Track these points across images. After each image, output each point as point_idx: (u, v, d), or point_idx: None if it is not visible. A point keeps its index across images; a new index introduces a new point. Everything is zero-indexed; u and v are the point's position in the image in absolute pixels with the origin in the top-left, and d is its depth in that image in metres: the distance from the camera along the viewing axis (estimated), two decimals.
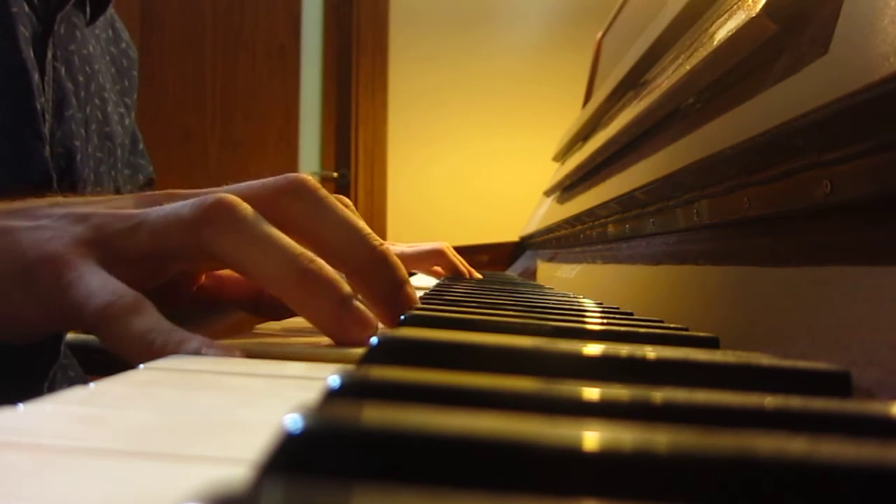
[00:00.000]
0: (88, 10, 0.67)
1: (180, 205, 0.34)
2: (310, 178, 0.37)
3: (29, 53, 0.57)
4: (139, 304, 0.32)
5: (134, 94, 0.80)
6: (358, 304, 0.34)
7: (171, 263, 0.36)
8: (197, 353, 0.30)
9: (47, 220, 0.35)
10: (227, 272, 0.45)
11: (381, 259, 0.37)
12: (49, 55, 0.60)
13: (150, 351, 0.30)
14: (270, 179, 0.37)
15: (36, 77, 0.57)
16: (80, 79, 0.65)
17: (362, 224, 0.37)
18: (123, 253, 0.34)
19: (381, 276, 0.37)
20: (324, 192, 0.37)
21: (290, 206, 0.36)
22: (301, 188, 0.36)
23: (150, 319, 0.32)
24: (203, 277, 0.45)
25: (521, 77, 2.43)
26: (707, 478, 0.12)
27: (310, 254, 0.33)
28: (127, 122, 0.76)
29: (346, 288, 0.34)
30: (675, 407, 0.17)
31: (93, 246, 0.34)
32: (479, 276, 1.01)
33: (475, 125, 2.44)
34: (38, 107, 0.57)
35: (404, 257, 1.01)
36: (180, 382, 0.25)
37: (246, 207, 0.33)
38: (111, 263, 0.33)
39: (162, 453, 0.16)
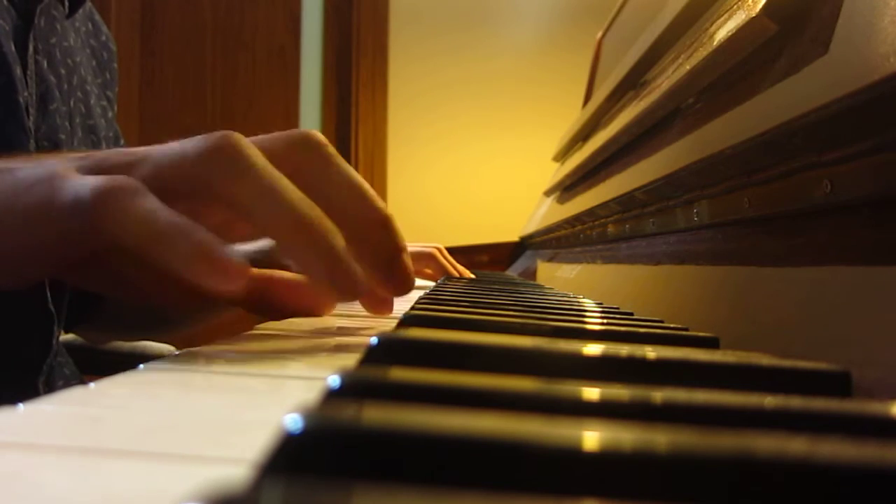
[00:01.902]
0: (67, 2, 0.67)
1: (186, 141, 0.33)
2: (320, 135, 0.37)
3: (10, 47, 0.57)
4: (142, 188, 0.31)
5: (115, 87, 0.79)
6: (351, 260, 0.33)
7: (173, 201, 0.34)
8: (202, 246, 0.29)
9: (49, 160, 0.35)
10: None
11: (382, 222, 0.37)
12: (31, 48, 0.59)
13: (156, 233, 0.29)
14: (284, 133, 0.36)
15: (18, 70, 0.57)
16: (62, 72, 0.65)
17: (368, 186, 0.37)
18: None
19: (380, 240, 0.37)
20: (334, 150, 0.36)
21: (301, 159, 0.35)
22: (313, 143, 0.36)
23: (153, 202, 0.30)
24: None
25: (521, 77, 2.43)
26: (707, 478, 0.12)
27: (310, 202, 0.33)
28: (110, 114, 0.76)
29: (342, 241, 0.33)
30: (675, 407, 0.17)
31: (90, 171, 0.33)
32: (471, 275, 1.01)
33: (475, 125, 2.44)
34: (22, 100, 0.56)
35: None
36: (180, 382, 0.25)
37: (253, 149, 0.33)
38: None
39: (162, 453, 0.16)
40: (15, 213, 0.33)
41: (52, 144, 0.61)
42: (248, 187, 0.32)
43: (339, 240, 0.33)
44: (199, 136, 0.33)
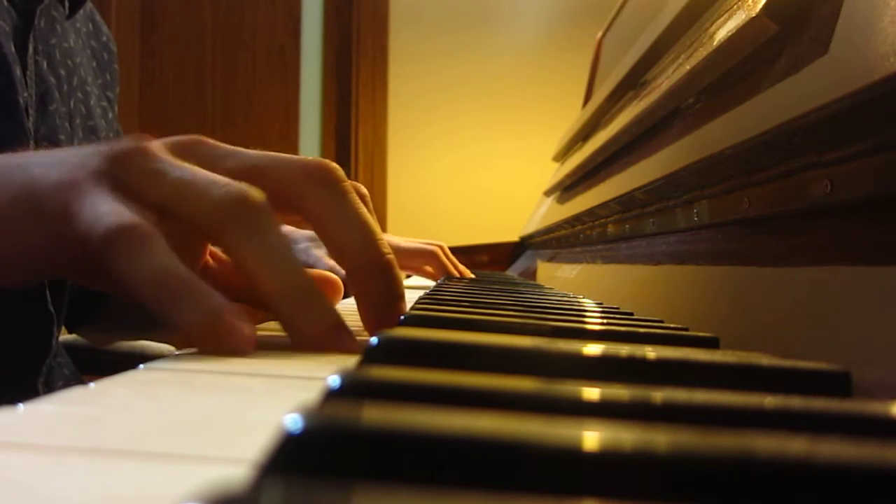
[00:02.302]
0: (67, 3, 0.67)
1: (211, 180, 0.33)
2: (336, 167, 0.37)
3: (10, 47, 0.56)
4: (155, 236, 0.31)
5: (116, 88, 0.79)
6: (345, 329, 0.34)
7: (177, 224, 0.34)
8: (212, 315, 0.29)
9: (65, 154, 0.35)
10: None
11: (384, 266, 0.37)
12: (30, 49, 0.59)
13: (166, 291, 0.30)
14: (299, 159, 0.37)
15: (17, 71, 0.57)
16: (62, 72, 0.65)
17: (376, 227, 0.37)
18: (139, 192, 0.33)
19: (379, 283, 0.37)
20: (347, 185, 0.37)
21: (312, 192, 0.36)
22: (327, 176, 0.36)
23: (168, 257, 0.30)
24: (209, 258, 0.44)
25: (521, 77, 2.43)
26: (707, 478, 0.12)
27: (310, 281, 0.34)
28: (110, 115, 0.76)
29: (338, 315, 0.34)
30: (675, 407, 0.17)
31: (108, 177, 0.33)
32: (472, 275, 1.01)
33: (475, 125, 2.44)
34: (21, 101, 0.56)
35: (397, 251, 1.01)
36: (180, 382, 0.25)
37: (271, 214, 0.33)
38: (125, 199, 0.32)
39: (162, 453, 0.16)
40: (35, 214, 0.33)
41: (51, 145, 0.61)
42: (258, 253, 0.33)
43: (335, 316, 0.34)
44: (221, 179, 0.33)
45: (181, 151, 0.35)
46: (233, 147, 0.38)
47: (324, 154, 2.52)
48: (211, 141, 0.37)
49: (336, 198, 0.36)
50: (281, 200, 0.35)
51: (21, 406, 0.19)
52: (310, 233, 0.84)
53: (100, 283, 0.39)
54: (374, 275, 0.36)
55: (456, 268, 1.00)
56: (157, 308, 0.30)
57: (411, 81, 2.48)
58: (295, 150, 2.51)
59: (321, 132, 2.54)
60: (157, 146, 0.35)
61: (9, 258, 0.34)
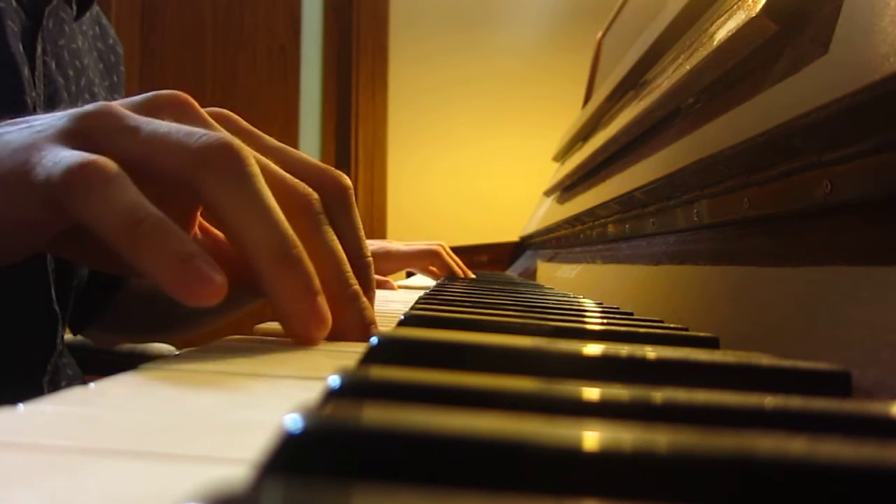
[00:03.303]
0: (75, 5, 0.67)
1: (189, 130, 0.31)
2: (317, 201, 0.36)
3: (18, 48, 0.57)
4: (119, 173, 0.28)
5: (122, 90, 0.80)
6: (322, 302, 0.33)
7: (150, 183, 0.32)
8: (185, 256, 0.27)
9: (39, 120, 0.33)
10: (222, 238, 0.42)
11: (350, 299, 0.36)
12: (39, 49, 0.59)
13: (137, 230, 0.27)
14: (290, 178, 0.35)
15: (26, 71, 0.57)
16: (71, 73, 0.65)
17: (345, 259, 0.36)
18: (107, 150, 0.30)
19: (346, 314, 0.36)
20: (323, 218, 0.36)
21: (293, 216, 0.34)
22: (310, 208, 0.35)
23: (134, 193, 0.28)
24: (198, 231, 0.42)
25: (521, 77, 2.43)
26: (707, 478, 0.12)
27: (296, 238, 0.32)
28: None
29: (318, 284, 0.32)
30: (675, 407, 0.17)
31: (74, 137, 0.31)
32: (472, 276, 1.01)
33: (475, 125, 2.44)
34: (29, 101, 0.57)
35: (399, 255, 1.02)
36: (180, 382, 0.25)
37: (255, 165, 0.31)
38: (89, 151, 0.30)
39: (162, 453, 0.16)
40: None
41: None
42: (241, 208, 0.31)
43: (317, 283, 0.32)
44: (199, 130, 0.31)
45: (156, 109, 0.34)
46: (215, 111, 0.36)
47: (324, 154, 2.52)
48: (190, 101, 0.35)
49: (312, 229, 0.35)
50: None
51: (21, 406, 0.19)
52: None
53: (73, 248, 0.38)
54: (343, 306, 0.36)
55: (458, 266, 1.01)
56: (124, 251, 0.28)
57: (411, 81, 2.48)
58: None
59: (321, 132, 2.54)
60: (127, 106, 0.33)
61: None
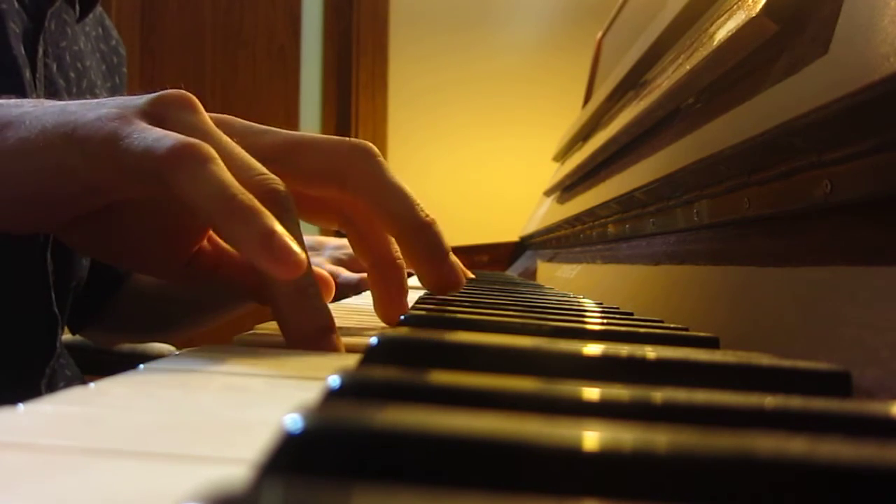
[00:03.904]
0: (77, 6, 0.67)
1: (249, 164, 0.34)
2: (372, 146, 0.40)
3: (20, 50, 0.57)
4: (215, 155, 0.32)
5: (124, 91, 0.80)
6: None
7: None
8: (271, 230, 0.30)
9: (102, 100, 0.36)
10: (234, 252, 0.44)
11: (429, 224, 0.40)
12: (40, 52, 0.59)
13: (233, 204, 0.31)
14: (337, 138, 0.39)
15: (27, 74, 0.57)
16: (72, 75, 0.65)
17: (413, 196, 0.40)
18: (192, 127, 0.34)
19: (427, 240, 0.40)
20: (383, 160, 0.40)
21: (358, 165, 0.39)
22: (368, 152, 0.39)
23: (229, 175, 0.31)
24: (206, 242, 0.43)
25: (521, 77, 2.43)
26: (707, 478, 0.12)
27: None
28: None
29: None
30: (675, 407, 0.17)
31: (152, 116, 0.34)
32: (471, 275, 1.01)
33: (475, 125, 2.44)
34: None
35: None
36: (180, 382, 0.25)
37: (293, 211, 0.34)
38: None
39: (162, 453, 0.16)
40: (70, 140, 0.34)
41: None
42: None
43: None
44: (261, 169, 0.34)
45: (216, 124, 0.36)
46: (264, 126, 0.40)
47: None
48: (240, 120, 0.39)
49: (379, 171, 0.39)
50: (321, 176, 0.39)
51: (21, 406, 0.19)
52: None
53: (86, 232, 0.39)
54: (421, 233, 0.39)
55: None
56: (219, 221, 0.31)
57: (411, 81, 2.48)
58: None
59: (321, 132, 2.54)
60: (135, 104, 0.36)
61: (33, 184, 0.35)
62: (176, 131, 0.33)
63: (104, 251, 0.42)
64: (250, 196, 0.31)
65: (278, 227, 0.31)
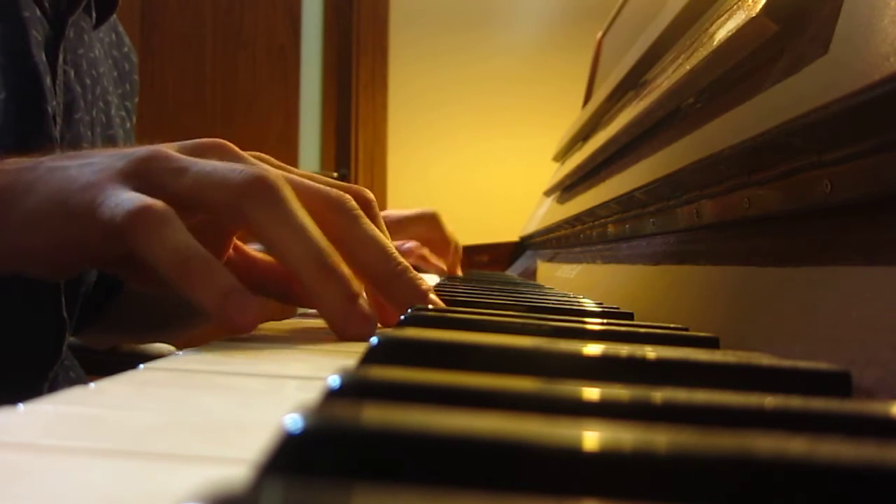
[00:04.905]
0: (94, 13, 0.68)
1: (230, 167, 0.36)
2: (348, 198, 0.40)
3: (41, 57, 0.57)
4: (172, 216, 0.34)
5: (135, 97, 0.81)
6: (363, 302, 0.37)
7: (193, 212, 0.37)
8: (225, 289, 0.32)
9: (98, 158, 0.38)
10: (259, 255, 0.47)
11: (400, 274, 0.40)
12: (60, 59, 0.60)
13: (186, 267, 0.33)
14: (322, 187, 0.40)
15: (48, 81, 0.57)
16: (87, 82, 0.65)
17: (387, 241, 0.41)
18: (161, 188, 0.36)
19: (400, 289, 0.40)
20: (359, 212, 0.40)
21: (332, 218, 0.39)
22: (343, 205, 0.40)
23: (184, 235, 0.33)
24: (231, 251, 0.46)
25: (521, 77, 2.43)
26: (707, 478, 0.12)
27: (332, 248, 0.36)
28: (128, 125, 0.77)
29: (357, 285, 0.37)
30: (675, 407, 0.17)
31: (132, 177, 0.36)
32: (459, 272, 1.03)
33: (475, 125, 2.44)
34: (50, 110, 0.57)
35: (390, 221, 1.01)
36: (180, 382, 0.25)
37: (289, 190, 0.36)
38: (146, 193, 0.35)
39: (162, 453, 0.16)
40: (64, 211, 0.36)
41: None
42: (280, 227, 0.35)
43: (354, 285, 0.37)
44: (238, 165, 0.37)
45: (201, 152, 0.38)
46: (251, 152, 0.41)
47: (324, 154, 2.52)
48: (230, 145, 0.40)
49: (352, 223, 0.40)
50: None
51: (21, 406, 0.19)
52: None
53: (125, 270, 0.43)
54: (393, 282, 0.40)
55: (452, 238, 1.03)
56: (175, 283, 0.33)
57: (411, 81, 2.48)
58: (295, 150, 2.51)
59: (321, 132, 2.54)
60: (176, 149, 0.38)
61: (45, 251, 0.38)
62: (155, 185, 0.36)
63: (145, 283, 0.45)
64: (205, 254, 0.33)
65: (231, 281, 0.33)
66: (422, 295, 0.40)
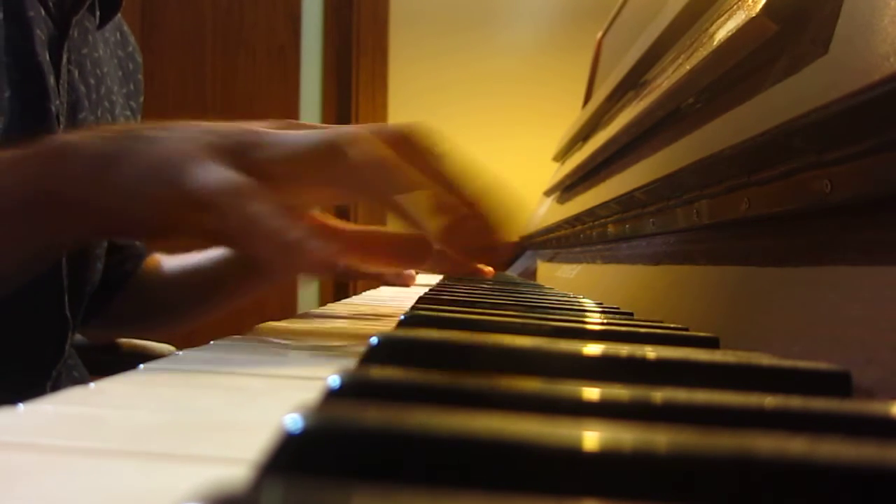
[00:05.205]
0: (98, 13, 0.68)
1: (310, 133, 0.39)
2: (416, 133, 0.41)
3: (45, 56, 0.57)
4: (263, 191, 0.35)
5: (140, 97, 0.81)
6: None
7: (294, 183, 0.39)
8: (299, 244, 0.34)
9: (179, 130, 0.39)
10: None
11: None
12: (64, 58, 0.60)
13: (257, 227, 0.34)
14: (392, 126, 0.41)
15: (51, 80, 0.58)
16: (92, 82, 0.66)
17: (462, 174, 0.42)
18: (256, 163, 0.37)
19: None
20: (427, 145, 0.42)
21: (409, 152, 0.40)
22: (416, 142, 0.41)
23: (266, 205, 0.35)
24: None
25: (521, 77, 2.43)
26: (707, 478, 0.12)
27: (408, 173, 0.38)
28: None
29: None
30: (675, 407, 0.17)
31: (225, 153, 0.37)
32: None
33: (475, 125, 2.44)
34: (54, 109, 0.57)
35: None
36: (180, 382, 0.25)
37: (366, 142, 0.38)
38: (234, 168, 0.36)
39: (162, 453, 0.16)
40: (161, 180, 0.37)
41: None
42: (360, 180, 0.38)
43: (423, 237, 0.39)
44: (311, 133, 0.39)
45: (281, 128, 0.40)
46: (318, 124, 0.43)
47: None
48: (306, 122, 0.43)
49: (428, 153, 0.41)
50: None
51: (21, 406, 0.19)
52: None
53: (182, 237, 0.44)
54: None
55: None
56: (273, 263, 0.36)
57: (411, 81, 2.48)
58: None
59: None
60: (260, 125, 0.40)
61: (141, 219, 0.40)
62: (244, 160, 0.37)
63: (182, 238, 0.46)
64: (293, 229, 0.34)
65: (314, 245, 0.34)
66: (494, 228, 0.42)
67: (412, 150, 0.40)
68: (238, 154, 0.37)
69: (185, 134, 0.39)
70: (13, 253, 0.42)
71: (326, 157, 0.37)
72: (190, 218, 0.38)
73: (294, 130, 0.39)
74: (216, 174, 0.36)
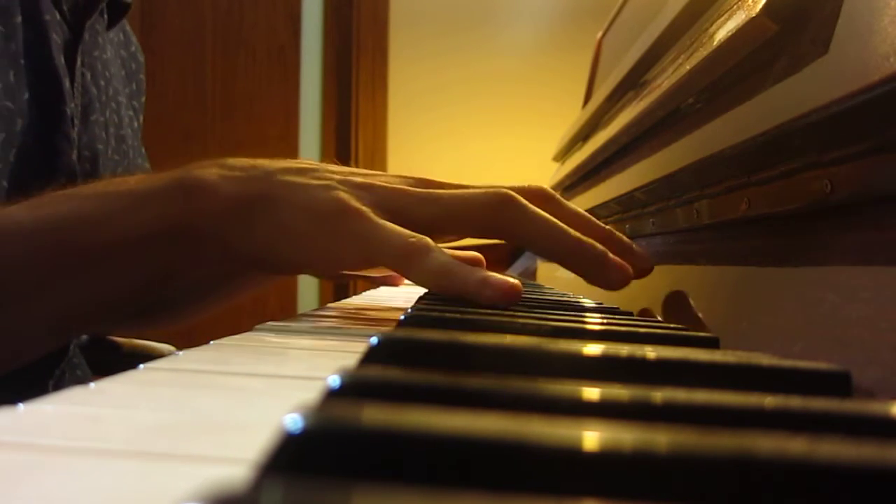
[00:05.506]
0: (106, 16, 0.69)
1: (475, 192, 0.44)
2: (549, 191, 0.47)
3: (60, 60, 0.58)
4: (431, 245, 0.41)
5: (142, 97, 0.82)
6: (611, 255, 0.45)
7: (442, 235, 0.45)
8: (479, 285, 0.40)
9: (330, 182, 0.43)
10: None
11: (582, 245, 0.45)
12: (78, 62, 0.61)
13: (449, 278, 0.40)
14: (488, 192, 0.45)
15: (67, 83, 0.58)
16: (102, 83, 0.67)
17: (556, 223, 0.46)
18: (409, 220, 0.42)
19: (589, 257, 0.45)
20: (558, 198, 0.48)
21: (506, 215, 0.45)
22: (552, 197, 0.47)
23: (445, 256, 0.40)
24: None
25: (521, 77, 2.43)
26: (707, 478, 0.12)
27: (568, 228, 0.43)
28: (136, 124, 0.78)
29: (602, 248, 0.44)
30: (675, 407, 0.17)
31: (382, 211, 0.42)
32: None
33: (475, 125, 2.44)
34: (69, 112, 0.58)
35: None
36: (180, 382, 0.25)
37: (521, 199, 0.43)
38: (400, 224, 0.42)
39: (162, 453, 0.16)
40: (326, 232, 0.42)
41: (91, 154, 0.63)
42: (531, 227, 0.43)
43: (601, 247, 0.44)
44: (477, 191, 0.44)
45: (414, 185, 0.46)
46: (456, 183, 0.47)
47: (324, 154, 2.52)
48: (435, 180, 0.47)
49: (561, 207, 0.47)
50: (477, 232, 0.46)
51: (21, 405, 0.19)
52: None
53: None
54: (581, 253, 0.45)
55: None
56: (444, 290, 0.41)
57: (411, 81, 2.48)
58: (295, 150, 2.51)
59: (321, 132, 2.54)
60: (398, 182, 0.46)
61: (287, 254, 0.44)
62: (409, 219, 0.43)
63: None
64: (459, 264, 0.40)
65: (492, 280, 0.40)
66: (629, 247, 0.48)
67: (550, 205, 0.45)
68: (393, 212, 0.42)
69: (337, 186, 0.43)
70: (123, 282, 0.44)
71: (496, 212, 0.43)
72: (355, 265, 0.43)
73: (422, 189, 0.45)
74: (391, 232, 0.41)
